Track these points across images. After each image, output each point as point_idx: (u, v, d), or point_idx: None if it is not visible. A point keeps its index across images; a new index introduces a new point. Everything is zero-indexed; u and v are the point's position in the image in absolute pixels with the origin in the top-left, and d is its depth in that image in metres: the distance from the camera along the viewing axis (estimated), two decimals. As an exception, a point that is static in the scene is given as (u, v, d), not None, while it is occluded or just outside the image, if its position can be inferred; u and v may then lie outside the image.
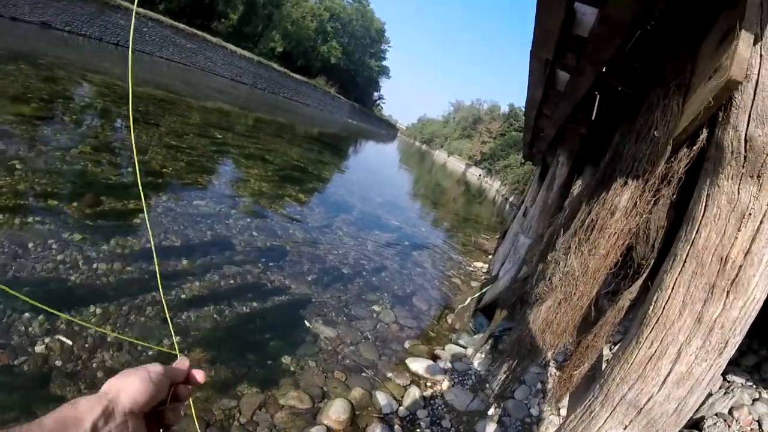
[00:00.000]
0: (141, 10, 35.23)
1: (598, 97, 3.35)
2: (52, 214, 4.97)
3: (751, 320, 1.52)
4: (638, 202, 1.91)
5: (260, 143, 14.95)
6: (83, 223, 5.02)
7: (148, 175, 7.35)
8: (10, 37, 19.41)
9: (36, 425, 0.52)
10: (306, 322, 4.74)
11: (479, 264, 9.44)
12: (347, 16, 69.62)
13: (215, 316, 4.29)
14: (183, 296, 4.40)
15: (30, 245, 4.26)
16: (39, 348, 3.18)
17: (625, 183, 1.96)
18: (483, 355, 4.97)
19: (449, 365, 4.67)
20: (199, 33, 41.34)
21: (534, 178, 10.13)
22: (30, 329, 3.30)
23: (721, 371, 1.59)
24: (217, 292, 4.70)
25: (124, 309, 3.89)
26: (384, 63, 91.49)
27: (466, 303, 6.18)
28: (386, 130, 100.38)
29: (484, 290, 6.44)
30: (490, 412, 3.94)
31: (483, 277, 8.24)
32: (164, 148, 9.35)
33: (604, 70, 2.77)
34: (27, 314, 3.41)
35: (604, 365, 2.07)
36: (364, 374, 4.15)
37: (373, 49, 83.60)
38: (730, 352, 1.53)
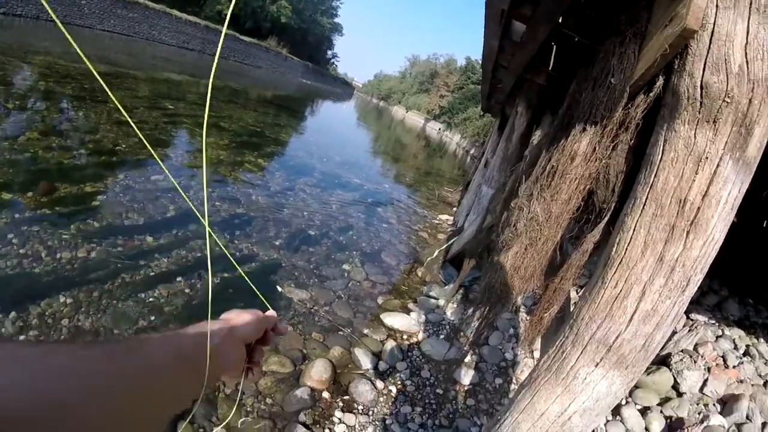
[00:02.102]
0: None
1: (554, 47, 3.39)
2: (7, 206, 4.77)
3: (710, 260, 1.61)
4: (597, 148, 1.97)
5: (213, 110, 14.49)
6: (41, 213, 4.84)
7: (102, 155, 7.08)
8: None
9: (183, 334, 0.66)
10: (278, 286, 4.76)
11: (444, 216, 9.58)
12: (295, -28, 67.13)
13: (187, 290, 4.27)
14: (152, 274, 4.35)
15: None
16: None
17: (584, 129, 2.02)
18: (455, 305, 5.13)
19: (423, 317, 4.81)
20: (140, 1, 39.23)
21: (494, 130, 10.23)
22: (2, 328, 3.24)
23: (685, 308, 1.69)
24: (186, 266, 4.65)
25: (95, 295, 3.82)
26: (336, 20, 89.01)
27: (434, 255, 6.30)
28: (342, 88, 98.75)
29: (450, 242, 6.58)
30: (467, 359, 4.09)
31: (449, 230, 8.39)
32: (114, 125, 8.92)
33: (560, 21, 2.80)
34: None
35: (572, 307, 2.17)
36: (341, 333, 4.24)
37: (324, 6, 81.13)
38: (693, 289, 1.63)
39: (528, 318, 4.49)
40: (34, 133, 7.16)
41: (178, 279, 4.39)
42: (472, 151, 29.74)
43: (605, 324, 1.71)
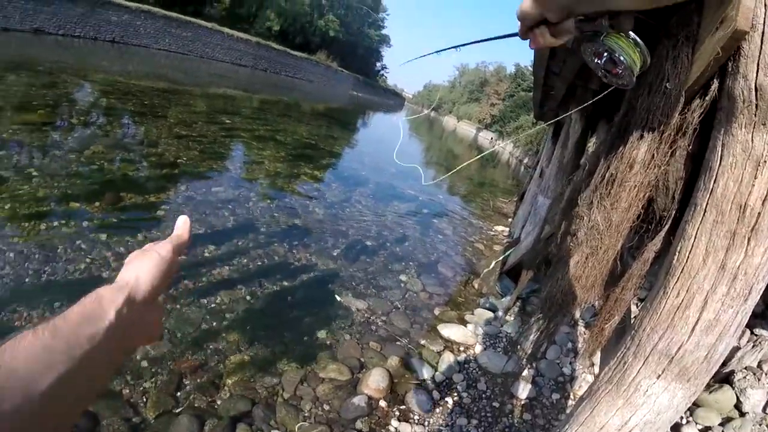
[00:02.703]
0: (132, 3, 35.25)
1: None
2: (75, 215, 5.12)
3: (772, 268, 1.57)
4: (656, 155, 1.94)
5: (269, 124, 14.99)
6: (108, 221, 5.17)
7: (164, 167, 7.48)
8: (4, 48, 19.55)
9: (60, 319, 0.50)
10: (336, 296, 4.87)
11: (500, 227, 9.48)
12: (340, -14, 68.32)
13: (248, 297, 4.43)
14: (214, 281, 4.54)
15: (59, 249, 4.40)
16: None
17: (641, 136, 1.99)
18: (512, 318, 5.07)
19: (480, 329, 4.77)
20: (193, 20, 41.08)
21: (548, 138, 10.06)
22: None
23: (747, 318, 1.64)
24: (247, 275, 4.83)
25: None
26: (384, 32, 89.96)
27: (491, 267, 6.24)
28: (393, 99, 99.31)
29: (507, 253, 6.50)
30: (524, 373, 4.04)
31: (505, 241, 8.29)
32: (175, 138, 9.44)
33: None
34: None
35: (632, 319, 2.13)
36: (398, 343, 4.27)
37: (371, 18, 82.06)
38: (755, 298, 1.58)
39: (586, 331, 4.38)
40: (99, 146, 7.64)
41: (239, 286, 4.56)
42: (525, 161, 29.26)
43: (667, 334, 1.68)
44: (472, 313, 5.14)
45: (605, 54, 0.85)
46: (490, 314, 5.14)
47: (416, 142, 30.69)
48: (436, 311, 5.11)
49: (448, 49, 1.44)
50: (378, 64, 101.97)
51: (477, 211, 11.19)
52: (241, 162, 9.39)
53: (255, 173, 8.70)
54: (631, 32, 0.84)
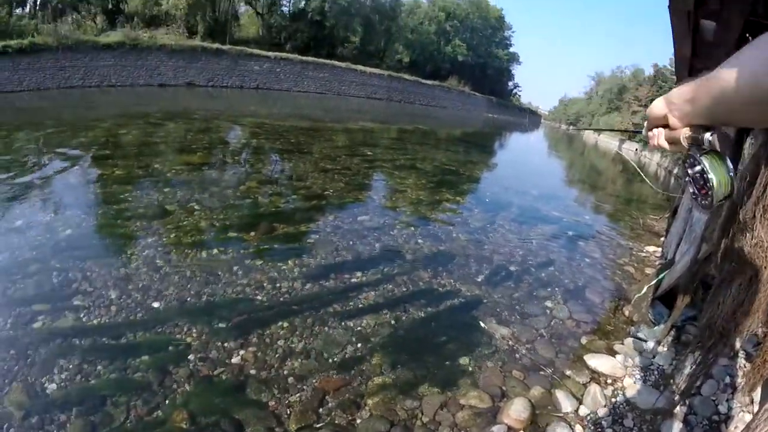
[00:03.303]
0: (271, 53, 39.05)
1: (750, 38, 3.02)
2: (233, 244, 5.78)
3: None
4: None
5: (408, 153, 15.46)
6: (262, 248, 5.75)
7: (312, 199, 8.14)
8: (162, 101, 22.85)
9: None
10: (480, 322, 4.84)
11: (651, 248, 8.76)
12: (463, 12, 68.64)
13: (392, 321, 4.58)
14: (360, 305, 4.78)
15: (219, 273, 4.98)
16: (235, 359, 3.69)
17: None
18: (665, 348, 4.63)
19: (629, 360, 4.42)
20: (327, 62, 44.52)
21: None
22: (226, 344, 3.84)
23: None
24: (392, 300, 5.01)
25: (308, 321, 4.34)
26: (512, 50, 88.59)
27: (643, 292, 5.78)
28: (528, 118, 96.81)
29: (660, 276, 5.98)
30: (676, 410, 3.65)
31: (657, 262, 7.64)
32: (321, 172, 10.19)
33: (751, 10, 2.52)
34: (222, 332, 3.99)
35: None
36: (542, 373, 4.12)
37: (497, 38, 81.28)
38: None
39: (747, 364, 3.86)
40: (253, 182, 8.65)
41: (384, 311, 4.73)
42: (675, 171, 26.86)
43: None
44: (622, 343, 4.78)
45: (698, 170, 0.85)
46: (642, 344, 4.75)
47: (556, 160, 29.61)
48: (583, 340, 4.84)
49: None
50: (510, 83, 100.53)
51: (626, 230, 10.46)
52: (384, 191, 9.86)
53: (398, 201, 9.03)
54: (728, 159, 0.84)
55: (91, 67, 27.17)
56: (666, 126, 0.92)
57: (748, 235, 2.07)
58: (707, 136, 0.83)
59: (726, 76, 0.69)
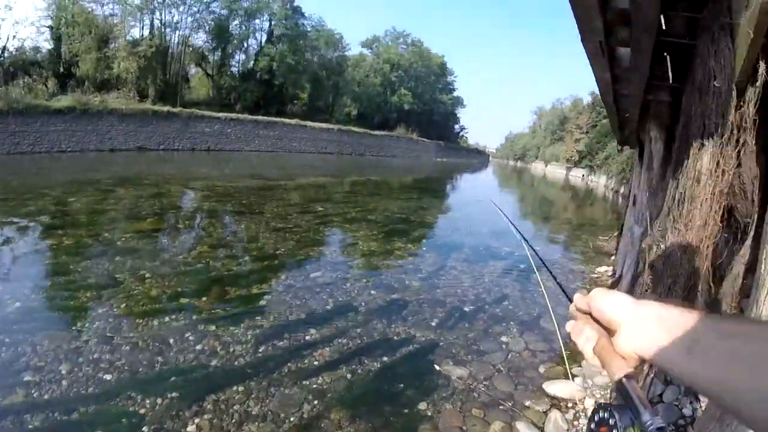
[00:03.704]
0: (222, 114, 39.47)
1: (668, 57, 3.15)
2: (185, 310, 5.60)
3: None
4: (721, 161, 1.75)
5: (360, 205, 15.49)
6: (215, 313, 5.59)
7: (265, 260, 8.00)
8: (113, 166, 22.52)
9: None
10: (436, 366, 4.74)
11: (602, 268, 8.93)
12: (406, 61, 71.31)
13: (348, 375, 4.44)
14: (316, 362, 4.63)
15: (171, 340, 4.81)
16: (191, 428, 3.52)
17: (702, 145, 1.82)
18: (624, 362, 4.62)
19: (588, 381, 4.39)
20: (277, 120, 45.29)
21: (635, 162, 9.55)
22: (181, 413, 3.66)
23: None
24: (347, 354, 4.88)
25: (264, 383, 4.18)
26: (456, 94, 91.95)
27: (595, 311, 5.80)
28: (477, 158, 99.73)
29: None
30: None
31: (609, 281, 7.77)
32: (273, 232, 10.11)
33: (659, 31, 2.63)
34: (176, 401, 3.80)
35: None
36: (501, 407, 4.03)
37: (441, 84, 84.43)
38: None
39: None
40: (204, 246, 8.49)
41: (340, 366, 4.59)
42: (621, 190, 27.86)
43: None
44: (580, 365, 4.75)
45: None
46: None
47: (507, 196, 30.25)
48: (541, 369, 4.80)
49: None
50: (456, 126, 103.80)
51: (577, 255, 10.65)
52: (336, 246, 9.79)
53: (350, 255, 8.97)
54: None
55: (42, 132, 26.92)
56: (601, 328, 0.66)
57: (661, 246, 2.10)
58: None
59: None
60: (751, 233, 1.77)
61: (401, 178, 32.51)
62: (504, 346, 5.36)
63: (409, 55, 73.11)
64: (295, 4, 54.63)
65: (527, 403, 4.09)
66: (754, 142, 1.69)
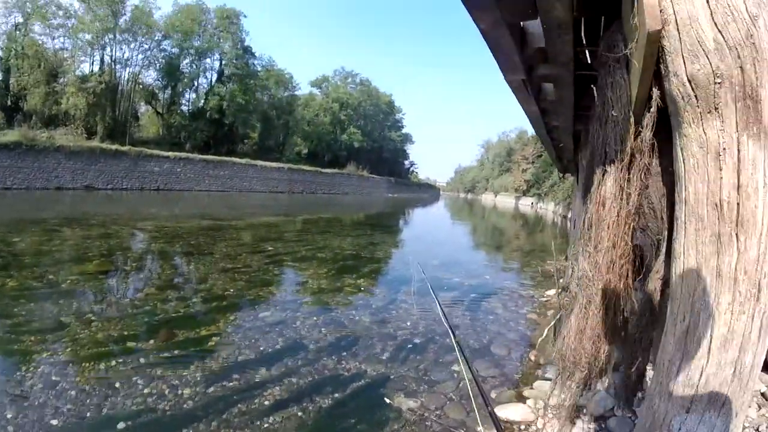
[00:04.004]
0: (171, 154, 38.87)
1: (594, 88, 3.34)
2: (132, 353, 5.44)
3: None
4: (624, 185, 1.87)
5: (310, 244, 15.37)
6: (162, 356, 5.43)
7: (213, 301, 7.82)
8: (60, 205, 21.76)
9: None
10: (387, 399, 4.69)
11: (551, 291, 9.13)
12: (355, 100, 72.66)
13: (299, 414, 4.35)
14: (266, 402, 4.52)
15: (117, 384, 4.65)
16: None
17: (605, 172, 1.95)
18: (575, 382, 4.71)
19: (540, 402, 4.45)
20: (228, 159, 44.98)
21: (575, 188, 9.94)
22: None
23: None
24: (297, 392, 4.78)
25: (213, 425, 4.06)
26: (404, 131, 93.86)
27: (544, 335, 5.94)
28: (428, 192, 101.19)
29: (558, 316, 6.21)
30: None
31: (558, 304, 7.97)
32: (222, 273, 9.92)
33: (575, 66, 2.79)
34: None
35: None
36: (453, 436, 4.01)
37: (389, 121, 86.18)
38: (768, 293, 1.43)
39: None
40: (152, 288, 8.28)
41: (291, 405, 4.49)
42: (569, 215, 28.79)
43: (684, 363, 1.51)
44: (531, 387, 4.82)
45: None
46: (550, 384, 4.82)
47: (458, 228, 30.69)
48: (493, 394, 4.83)
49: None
50: (406, 162, 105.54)
51: (527, 281, 10.87)
52: (286, 285, 9.62)
53: (300, 293, 8.85)
54: None
55: (-14, 168, 25.49)
56: None
57: (576, 269, 2.20)
58: None
59: None
60: (663, 249, 1.87)
61: (353, 215, 32.56)
62: (455, 374, 5.35)
63: (358, 94, 74.51)
64: (246, 44, 55.11)
65: (479, 430, 4.09)
66: (657, 163, 1.80)
